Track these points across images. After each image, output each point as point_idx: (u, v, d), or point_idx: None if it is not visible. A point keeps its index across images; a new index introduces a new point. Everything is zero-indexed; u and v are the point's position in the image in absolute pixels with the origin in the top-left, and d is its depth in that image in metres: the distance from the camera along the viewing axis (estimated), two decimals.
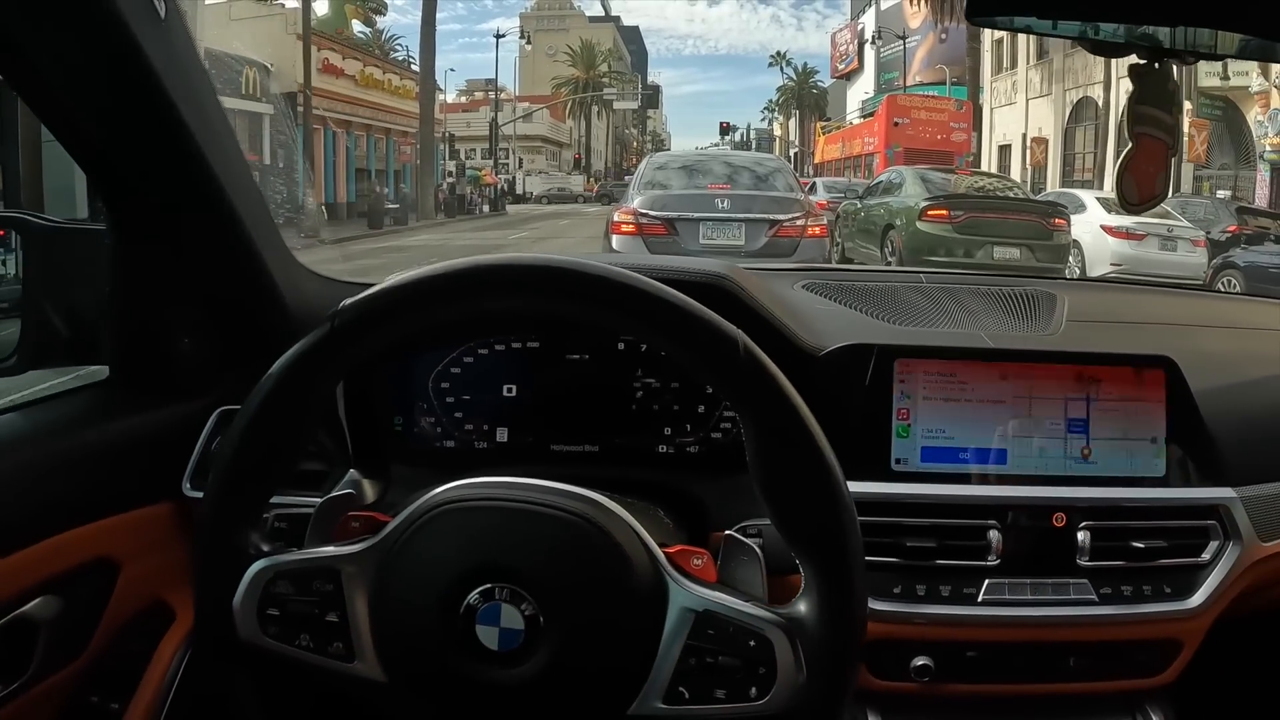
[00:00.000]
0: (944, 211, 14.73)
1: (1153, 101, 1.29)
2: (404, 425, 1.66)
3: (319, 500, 1.28)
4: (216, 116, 1.44)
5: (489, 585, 1.00)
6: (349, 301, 1.06)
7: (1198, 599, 1.55)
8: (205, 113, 1.39)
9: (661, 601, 1.02)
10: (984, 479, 1.56)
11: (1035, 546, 1.52)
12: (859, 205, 17.90)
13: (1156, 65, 1.25)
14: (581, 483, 1.10)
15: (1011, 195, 17.14)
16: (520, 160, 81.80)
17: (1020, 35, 45.94)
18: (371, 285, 1.97)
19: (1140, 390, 1.60)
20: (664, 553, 1.06)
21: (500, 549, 1.03)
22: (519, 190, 54.56)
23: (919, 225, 14.72)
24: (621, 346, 1.64)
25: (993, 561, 1.51)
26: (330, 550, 1.08)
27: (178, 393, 1.60)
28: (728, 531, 1.20)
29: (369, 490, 1.46)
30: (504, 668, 1.00)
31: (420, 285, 1.06)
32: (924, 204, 14.97)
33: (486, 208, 48.59)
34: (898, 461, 1.57)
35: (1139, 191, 1.34)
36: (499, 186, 54.13)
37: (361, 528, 1.12)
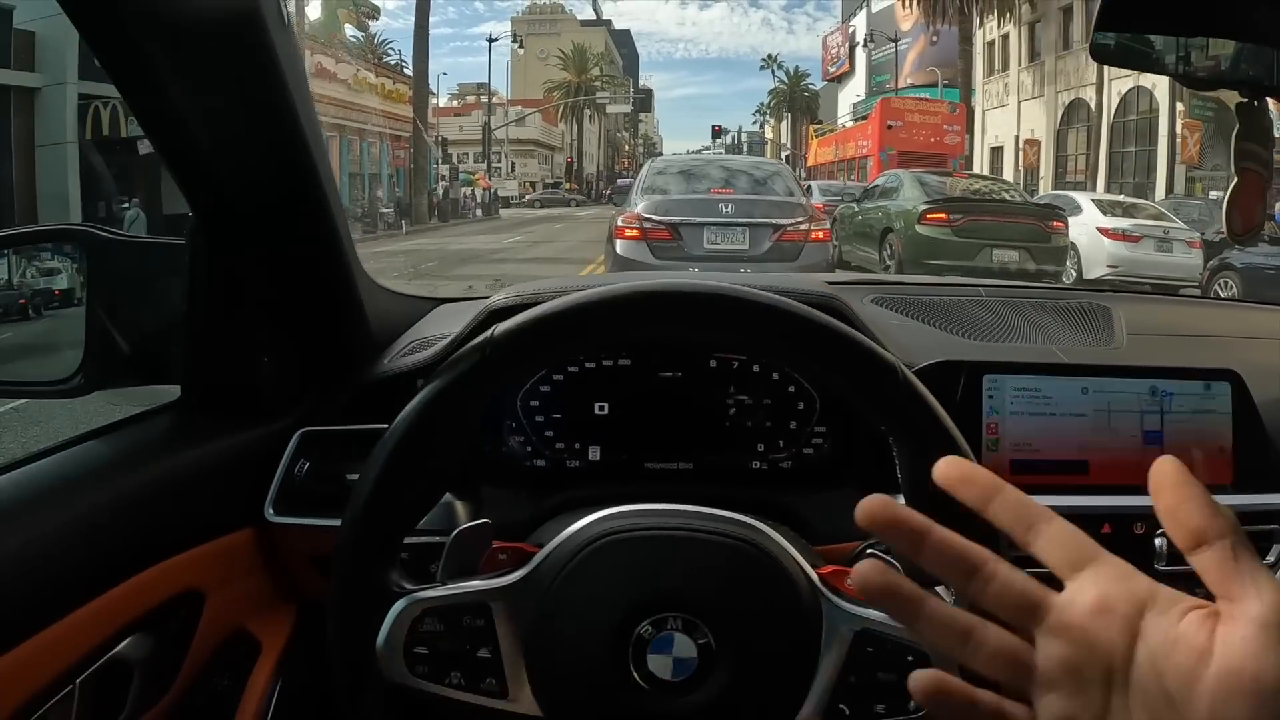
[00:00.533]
0: (943, 215, 14.85)
1: (1255, 137, 1.30)
2: (492, 444, 1.63)
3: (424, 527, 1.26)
4: (318, 129, 1.39)
5: (662, 615, 1.01)
6: (503, 327, 1.04)
7: None
8: (313, 124, 1.35)
9: (818, 622, 1.04)
10: (1068, 489, 1.58)
11: (1117, 553, 1.51)
12: (856, 209, 18.00)
13: (1256, 103, 1.27)
14: (677, 500, 1.11)
15: (1009, 198, 17.20)
16: (513, 165, 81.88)
17: (1011, 38, 46.22)
18: (443, 301, 1.96)
19: (1209, 401, 1.63)
20: (818, 574, 1.07)
21: (671, 578, 1.04)
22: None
23: (918, 229, 14.85)
24: (714, 364, 1.62)
25: None
26: (478, 584, 1.07)
27: (256, 414, 1.55)
28: (868, 549, 1.20)
29: (460, 511, 1.44)
30: (675, 697, 1.01)
31: (576, 312, 1.04)
32: (923, 207, 15.10)
33: (479, 211, 48.61)
34: None
35: (1243, 223, 1.36)
36: (492, 190, 54.10)
37: (509, 560, 1.12)
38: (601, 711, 1.02)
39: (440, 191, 45.06)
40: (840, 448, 1.62)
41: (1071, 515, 1.54)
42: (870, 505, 0.68)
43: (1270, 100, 1.28)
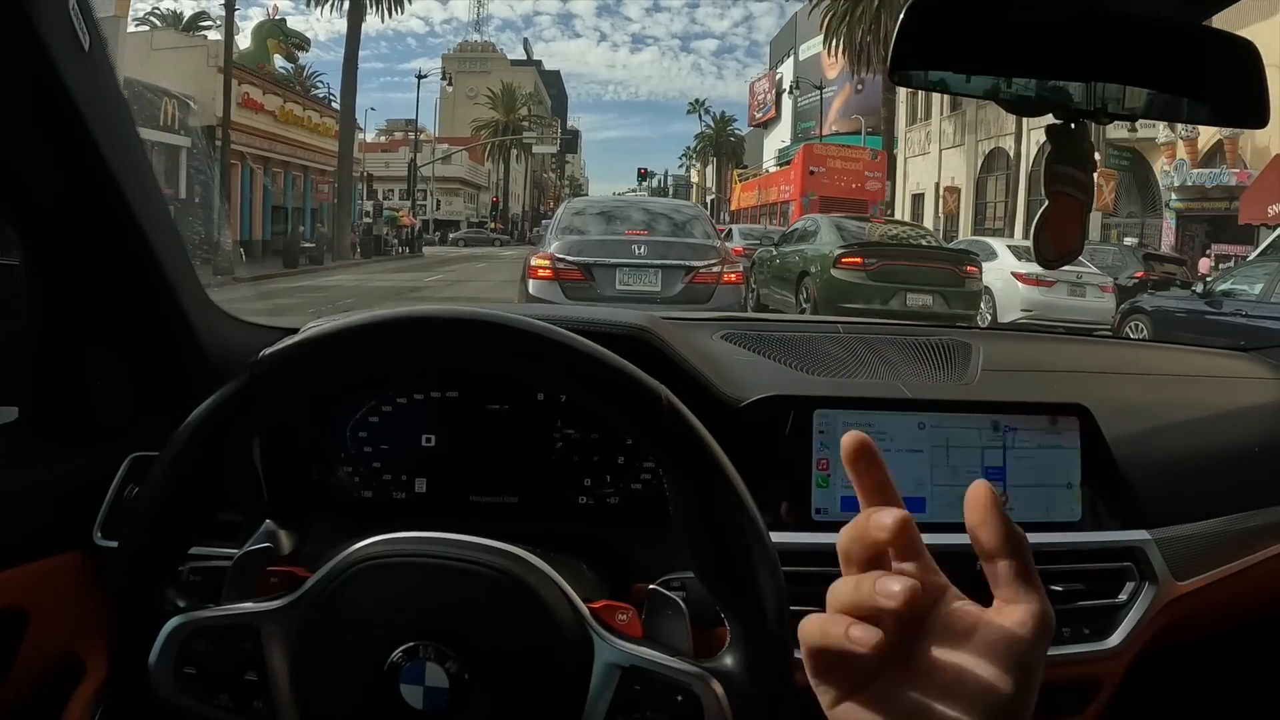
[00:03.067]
0: (858, 259, 15.01)
1: (1070, 160, 1.31)
2: (321, 475, 1.61)
3: (235, 553, 1.24)
4: (137, 153, 1.38)
5: (413, 643, 0.98)
6: (268, 351, 1.02)
7: (1115, 639, 1.57)
8: (126, 149, 1.33)
9: (587, 658, 1.01)
10: None
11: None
12: (774, 252, 18.22)
13: (1073, 125, 1.27)
14: (502, 535, 1.08)
15: (924, 243, 17.44)
16: (438, 202, 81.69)
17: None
18: (290, 331, 1.93)
19: (1055, 437, 1.61)
20: (588, 608, 1.04)
21: (424, 606, 1.01)
22: None
23: (833, 272, 14.99)
24: (541, 397, 1.61)
25: None
26: (248, 606, 1.05)
27: (89, 438, 1.53)
28: (651, 585, 1.18)
29: (286, 541, 1.42)
30: None
31: (340, 336, 1.02)
32: (838, 251, 15.24)
33: (405, 249, 48.43)
34: (818, 511, 1.56)
35: (1055, 248, 1.36)
36: (414, 228, 53.96)
37: (280, 583, 1.10)
38: None
39: (363, 228, 44.79)
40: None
41: None
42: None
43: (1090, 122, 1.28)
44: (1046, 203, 1.33)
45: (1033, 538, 1.54)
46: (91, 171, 1.30)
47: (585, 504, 1.62)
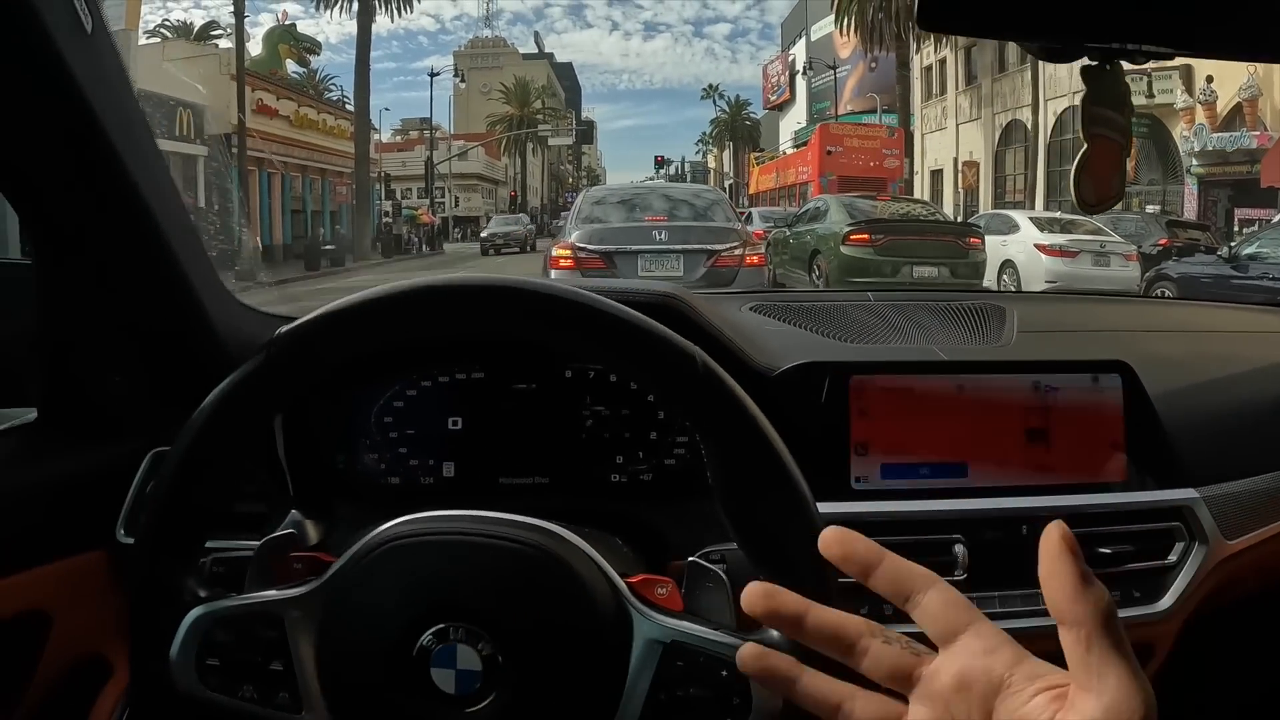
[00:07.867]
0: (865, 235, 15.52)
1: (1106, 102, 1.27)
2: (346, 462, 1.59)
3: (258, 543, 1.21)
4: (144, 138, 1.34)
5: (443, 625, 0.95)
6: (284, 329, 1.00)
7: (1167, 601, 1.53)
8: (133, 134, 1.29)
9: (626, 634, 0.97)
10: (946, 493, 1.52)
11: (1002, 558, 1.48)
12: (788, 233, 18.62)
13: (1108, 66, 1.23)
14: (533, 514, 1.05)
15: (930, 218, 17.68)
16: (457, 199, 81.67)
17: (948, 63, 46.81)
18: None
19: (1098, 396, 1.58)
20: (626, 583, 1.01)
21: (452, 586, 0.98)
22: None
23: (843, 249, 15.45)
24: (569, 375, 1.58)
25: (960, 576, 1.47)
26: (271, 594, 1.02)
27: (109, 434, 1.51)
28: (691, 558, 1.15)
29: (312, 531, 1.39)
30: (462, 710, 0.95)
31: (360, 308, 0.99)
32: (847, 229, 15.69)
33: (425, 247, 48.51)
34: (858, 480, 1.53)
35: (1096, 192, 1.33)
36: (434, 225, 53.98)
37: (304, 569, 1.08)
38: None
39: (383, 227, 44.90)
40: (702, 458, 1.57)
41: (952, 519, 1.52)
42: (752, 595, 0.76)
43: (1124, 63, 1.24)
44: (1084, 147, 1.30)
45: (1078, 500, 1.52)
46: (96, 157, 1.27)
47: (618, 481, 1.59)
